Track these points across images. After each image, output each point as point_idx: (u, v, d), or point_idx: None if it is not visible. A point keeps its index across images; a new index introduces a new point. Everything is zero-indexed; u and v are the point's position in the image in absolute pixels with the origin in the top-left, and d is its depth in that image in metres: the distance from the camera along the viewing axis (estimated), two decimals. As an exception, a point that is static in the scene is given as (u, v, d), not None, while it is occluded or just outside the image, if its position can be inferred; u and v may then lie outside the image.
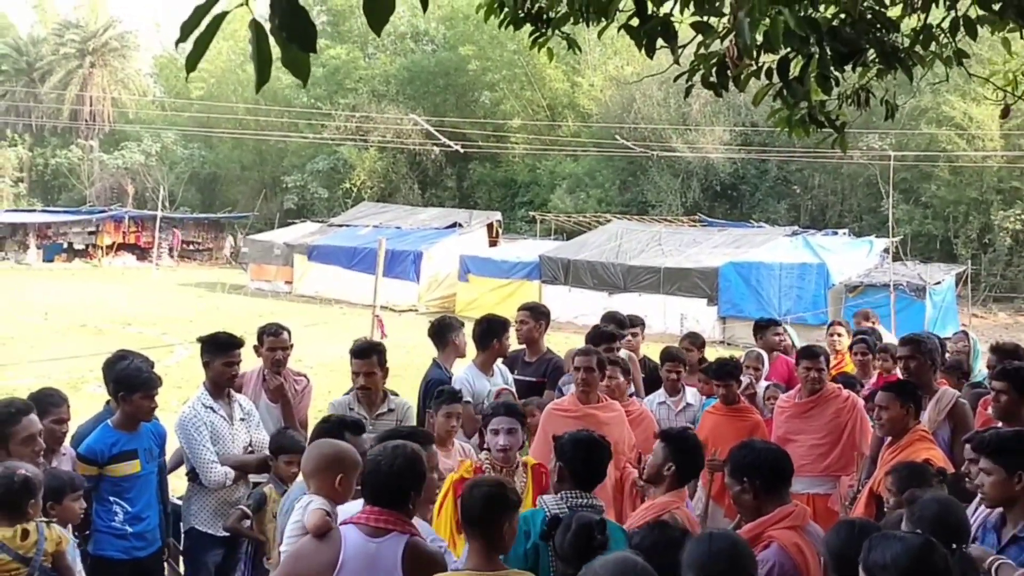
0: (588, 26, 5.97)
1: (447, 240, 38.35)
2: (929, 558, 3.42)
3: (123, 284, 42.50)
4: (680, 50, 5.40)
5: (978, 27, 6.03)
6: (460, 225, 40.18)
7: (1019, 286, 41.12)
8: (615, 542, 4.66)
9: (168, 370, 15.72)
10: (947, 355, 10.02)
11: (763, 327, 11.04)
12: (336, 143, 56.05)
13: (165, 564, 7.47)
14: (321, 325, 25.26)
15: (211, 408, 7.20)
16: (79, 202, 64.40)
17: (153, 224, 52.73)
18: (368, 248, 35.35)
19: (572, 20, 5.89)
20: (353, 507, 5.01)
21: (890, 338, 12.27)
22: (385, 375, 8.24)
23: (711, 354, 11.08)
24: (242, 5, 2.62)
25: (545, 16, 5.96)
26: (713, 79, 5.83)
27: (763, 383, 9.56)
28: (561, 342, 14.13)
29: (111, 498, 6.61)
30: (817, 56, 5.45)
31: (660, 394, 9.11)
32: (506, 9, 5.96)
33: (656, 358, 9.88)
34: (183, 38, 2.63)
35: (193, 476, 7.22)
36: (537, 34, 6.00)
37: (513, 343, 9.02)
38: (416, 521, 4.84)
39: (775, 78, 5.67)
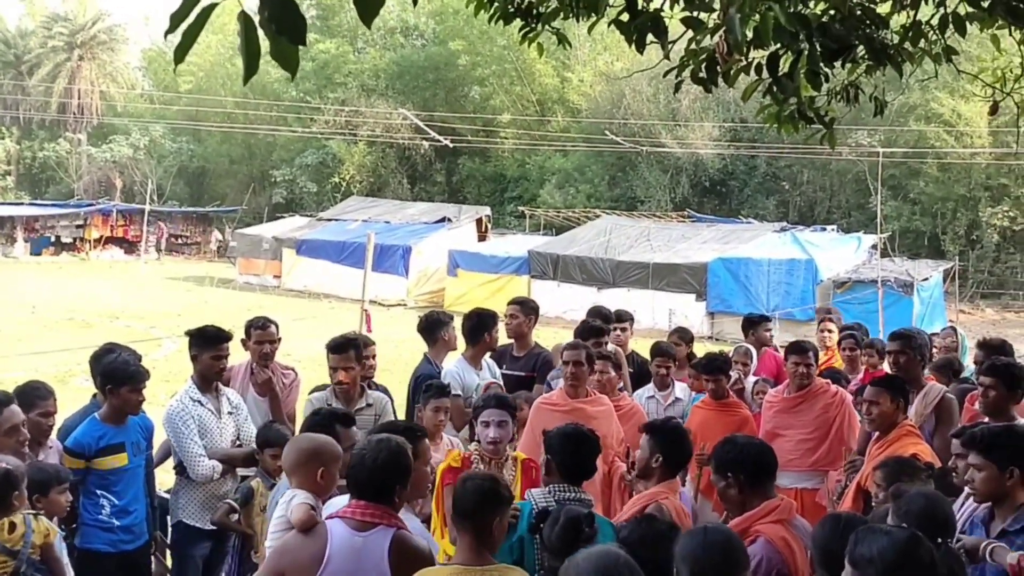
0: (578, 21, 5.96)
1: (436, 235, 38.34)
2: (915, 552, 3.43)
3: (111, 278, 42.39)
4: (670, 45, 5.40)
5: (967, 24, 6.03)
6: (449, 220, 40.16)
7: (1006, 282, 41.31)
8: (603, 536, 4.67)
9: (156, 364, 15.69)
10: (934, 351, 10.05)
11: (754, 323, 11.05)
12: (325, 137, 55.98)
13: (152, 557, 7.46)
14: (309, 319, 25.26)
15: (199, 402, 7.18)
16: (67, 195, 64.25)
17: (141, 218, 52.59)
18: (357, 242, 35.31)
19: (562, 15, 5.89)
20: (339, 502, 5.02)
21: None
22: (372, 369, 8.26)
23: (699, 350, 11.10)
24: (232, -4, 2.61)
25: (535, 11, 5.95)
26: (703, 75, 5.82)
27: (751, 378, 9.57)
28: (550, 337, 14.15)
29: (98, 491, 6.58)
30: (807, 52, 5.45)
31: (649, 388, 9.12)
32: (496, 4, 5.94)
33: (645, 353, 9.90)
34: (172, 29, 2.62)
35: (181, 470, 7.20)
36: (527, 29, 5.99)
37: (502, 338, 9.03)
38: (403, 515, 4.84)
39: (764, 74, 5.68)
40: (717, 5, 5.32)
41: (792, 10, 5.29)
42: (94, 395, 7.26)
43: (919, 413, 7.26)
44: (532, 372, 8.94)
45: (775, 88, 5.83)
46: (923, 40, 6.23)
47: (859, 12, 5.83)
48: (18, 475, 5.33)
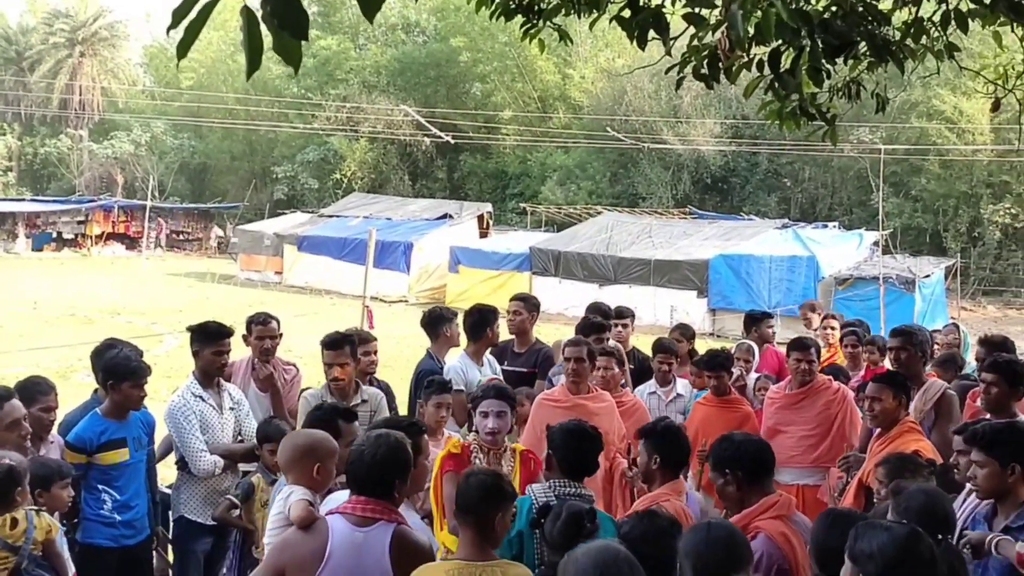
0: (579, 17, 5.96)
1: (437, 231, 38.31)
2: (915, 548, 3.43)
3: (112, 274, 42.40)
4: (672, 42, 5.40)
5: (969, 21, 6.03)
6: (450, 216, 40.13)
7: (1008, 279, 41.27)
8: (604, 532, 4.68)
9: (157, 359, 15.70)
10: (936, 347, 10.06)
11: (756, 319, 11.06)
12: (326, 134, 55.96)
13: (154, 553, 7.47)
14: (311, 315, 25.26)
15: (200, 397, 7.19)
16: (68, 191, 64.23)
17: (143, 214, 52.59)
18: (358, 239, 35.31)
19: (563, 11, 5.88)
20: (338, 497, 5.02)
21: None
22: (374, 365, 8.27)
23: (701, 346, 11.11)
24: (234, -9, 2.61)
25: (536, 7, 5.94)
26: (704, 71, 5.82)
27: (753, 375, 9.58)
28: (551, 333, 14.16)
29: (100, 486, 6.59)
30: (808, 48, 5.45)
31: (651, 385, 9.12)
32: (497, 0, 5.94)
33: (646, 350, 9.90)
34: (175, 24, 2.62)
35: (182, 465, 7.21)
36: (528, 25, 5.98)
37: (503, 334, 9.04)
38: (403, 511, 4.84)
39: (766, 70, 5.68)
40: (719, 1, 5.32)
41: (794, 6, 5.29)
42: (95, 391, 7.27)
43: (918, 409, 7.27)
44: (533, 368, 8.95)
45: (777, 84, 5.83)
46: (925, 36, 6.23)
47: (861, 8, 5.82)
48: (20, 471, 5.33)
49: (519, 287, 28.42)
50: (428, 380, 7.28)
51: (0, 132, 69.81)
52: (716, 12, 5.52)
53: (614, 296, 24.94)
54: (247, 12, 2.60)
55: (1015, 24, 6.34)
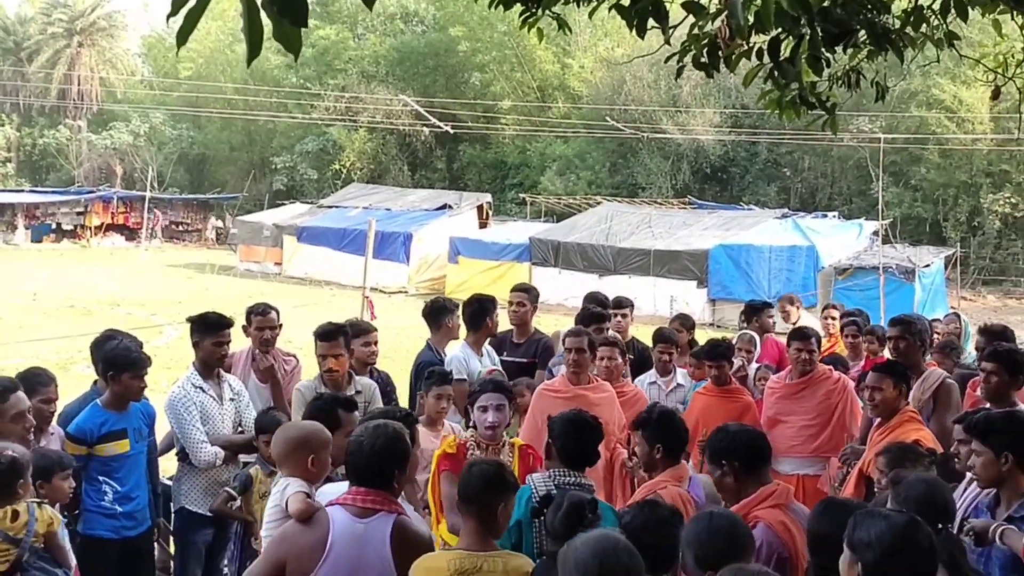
0: (579, 6, 5.95)
1: (437, 222, 38.30)
2: (913, 536, 3.43)
3: (111, 265, 42.37)
4: (671, 30, 5.38)
5: (969, 9, 6.01)
6: (450, 207, 40.11)
7: (1008, 269, 41.28)
8: (605, 522, 4.67)
9: (157, 351, 15.70)
10: (936, 337, 10.07)
11: (757, 309, 11.04)
12: (325, 124, 55.90)
13: (155, 544, 7.48)
14: (311, 306, 25.24)
15: (200, 388, 7.19)
16: (67, 182, 64.18)
17: (142, 205, 52.54)
18: (358, 229, 35.29)
19: (563, 0, 5.86)
20: (331, 489, 5.02)
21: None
22: (374, 356, 8.25)
23: (701, 336, 11.10)
24: (233, -20, 2.60)
25: (535, -4, 5.93)
26: (704, 60, 5.80)
27: (753, 365, 9.58)
28: (551, 324, 14.16)
29: (100, 477, 6.60)
30: (808, 37, 5.44)
31: (651, 375, 9.12)
32: (496, -11, 5.91)
33: (646, 340, 9.90)
34: (174, 12, 2.61)
35: (183, 456, 7.21)
36: (527, 14, 5.95)
37: (502, 323, 9.04)
38: (400, 501, 4.85)
39: (766, 59, 5.66)
40: (718, -10, 5.31)
41: (793, -5, 5.27)
42: (95, 382, 7.27)
43: (916, 399, 7.26)
44: (533, 358, 8.95)
45: (776, 73, 5.81)
46: (925, 25, 6.21)
47: (860, -3, 5.81)
48: (23, 463, 5.32)
49: (519, 277, 28.40)
50: (429, 371, 7.28)
51: (-1, 123, 69.78)
52: (715, 1, 5.51)
53: (614, 286, 24.91)
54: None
55: (1015, 12, 6.34)
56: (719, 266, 30.25)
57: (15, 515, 5.24)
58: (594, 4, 5.73)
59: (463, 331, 8.77)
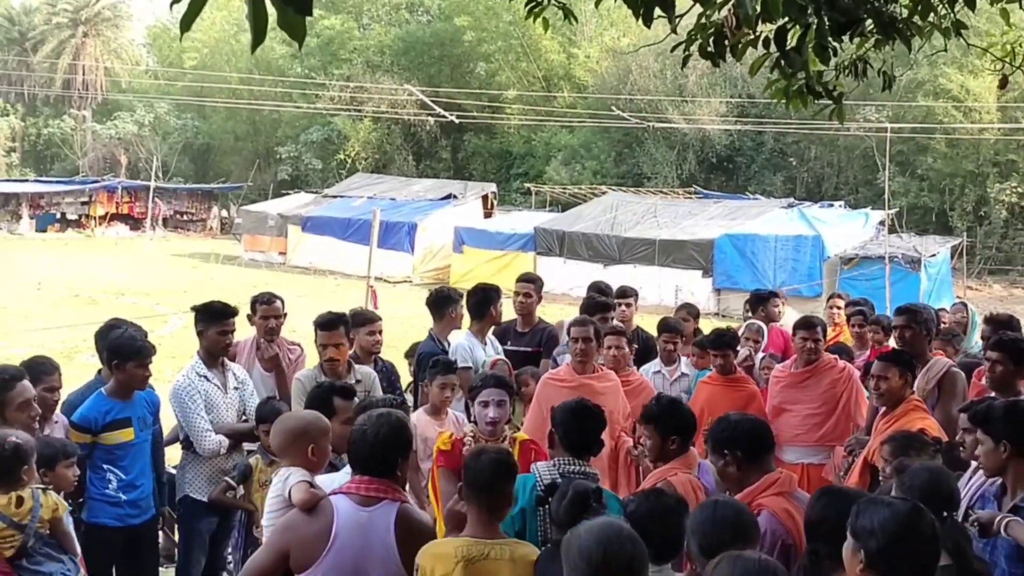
0: (585, -5, 5.92)
1: (442, 211, 38.27)
2: (916, 524, 3.42)
3: (116, 254, 42.42)
4: (678, 20, 5.36)
5: (976, -2, 5.99)
6: (455, 196, 40.08)
7: (1014, 258, 41.22)
8: (610, 510, 4.67)
9: (162, 340, 15.70)
10: (943, 326, 10.07)
11: (763, 299, 11.03)
12: (330, 114, 55.84)
13: (160, 532, 7.50)
14: (315, 296, 25.25)
15: (205, 377, 7.20)
16: (72, 172, 64.19)
17: (146, 194, 52.58)
18: (362, 219, 35.30)
19: (569, -11, 5.84)
20: (335, 478, 5.02)
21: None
22: (378, 345, 8.26)
23: (706, 326, 11.09)
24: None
25: (541, -15, 5.90)
26: (711, 49, 5.79)
27: (759, 354, 9.58)
28: (556, 313, 14.14)
29: (105, 466, 6.61)
30: (815, 26, 5.41)
31: (656, 364, 9.13)
32: (502, -23, 5.89)
33: (650, 329, 9.90)
34: (177, -1, 2.60)
35: (187, 444, 7.22)
36: (533, 4, 5.94)
37: (507, 313, 9.05)
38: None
39: (772, 48, 5.64)
40: (725, -22, 5.29)
41: (800, -18, 5.25)
42: (99, 371, 7.28)
43: (921, 388, 7.25)
44: (538, 347, 8.95)
45: (783, 62, 5.80)
46: (932, 14, 6.19)
47: (868, -15, 5.78)
48: (27, 449, 5.33)
49: (523, 267, 28.43)
50: (433, 360, 7.29)
51: (3, 113, 69.71)
52: (722, -11, 5.49)
53: (619, 276, 24.89)
54: (251, -13, 2.58)
55: (1023, 1, 6.31)
56: (724, 256, 30.22)
57: (20, 501, 5.25)
58: (600, -8, 5.71)
59: (466, 321, 8.78)
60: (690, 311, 10.58)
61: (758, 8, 5.11)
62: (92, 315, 17.91)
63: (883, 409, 6.88)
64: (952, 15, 6.33)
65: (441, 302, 8.71)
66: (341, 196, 43.04)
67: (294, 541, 4.52)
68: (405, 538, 4.53)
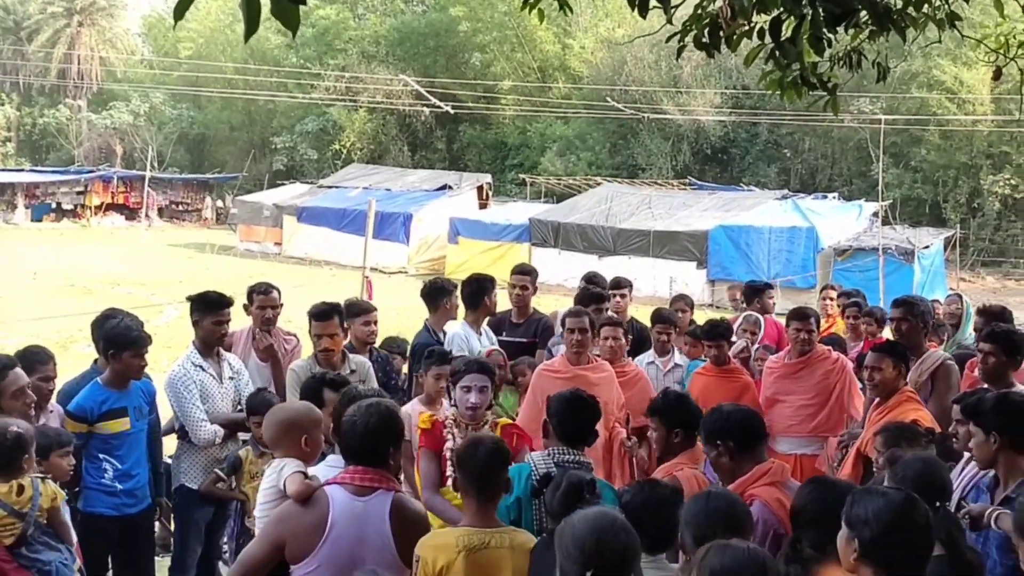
0: (580, -15, 5.92)
1: (437, 202, 38.28)
2: (910, 514, 3.45)
3: (112, 244, 42.35)
4: (673, 10, 5.37)
5: (971, -11, 6.00)
6: (450, 187, 40.08)
7: (1007, 250, 41.29)
8: (605, 500, 4.71)
9: (158, 330, 15.69)
10: (939, 317, 10.11)
11: (758, 290, 11.05)
12: (326, 104, 55.76)
13: (156, 523, 7.51)
14: (310, 286, 25.24)
15: (200, 367, 7.21)
16: (67, 162, 64.00)
17: (142, 184, 52.45)
18: (358, 210, 35.26)
19: (564, -20, 5.84)
20: (324, 469, 5.03)
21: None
22: (374, 336, 8.27)
23: (700, 317, 11.11)
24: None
25: (537, -24, 5.91)
26: (705, 40, 5.79)
27: (754, 345, 9.60)
28: (551, 304, 14.15)
29: (101, 455, 6.62)
30: (809, 17, 5.42)
31: (649, 355, 9.15)
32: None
33: (644, 320, 9.92)
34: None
35: (183, 434, 7.24)
36: (528, -6, 5.95)
37: (501, 304, 9.06)
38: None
39: (767, 39, 5.65)
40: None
41: (795, -26, 5.25)
42: (95, 360, 7.29)
43: (914, 380, 7.26)
44: (533, 338, 8.97)
45: (778, 53, 5.80)
46: (926, 5, 6.19)
47: (862, -24, 5.79)
48: (28, 438, 5.35)
49: (518, 258, 28.45)
50: (428, 351, 7.29)
51: (-1, 102, 69.59)
52: (718, -20, 5.49)
53: (613, 267, 24.93)
54: (246, -24, 2.59)
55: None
56: (719, 247, 30.27)
57: (20, 489, 5.27)
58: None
59: (461, 312, 8.79)
60: (687, 302, 10.61)
61: (752, -1, 5.13)
62: (88, 305, 17.89)
63: (876, 400, 6.91)
64: (946, 6, 6.34)
65: (435, 293, 8.73)
66: (336, 186, 43.00)
67: (289, 532, 4.53)
68: (400, 527, 4.55)
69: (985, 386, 6.54)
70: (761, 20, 5.63)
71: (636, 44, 42.48)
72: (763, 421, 5.37)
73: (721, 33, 5.73)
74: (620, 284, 10.08)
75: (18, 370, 5.94)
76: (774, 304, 11.25)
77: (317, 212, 39.83)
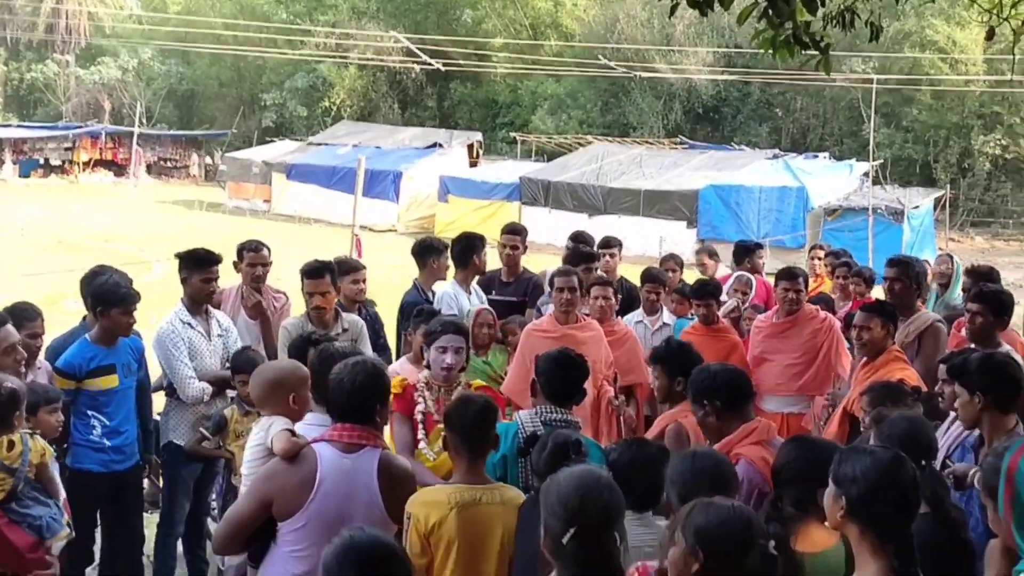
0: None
1: (427, 160, 38.17)
2: (897, 472, 3.47)
3: (100, 201, 42.14)
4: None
5: (964, -52, 5.97)
6: (440, 145, 39.94)
7: (997, 211, 41.36)
8: (591, 458, 4.73)
9: (147, 287, 15.64)
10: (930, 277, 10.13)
11: (749, 250, 11.05)
12: (315, 61, 55.38)
13: (146, 479, 7.53)
14: (300, 244, 25.20)
15: (188, 324, 7.20)
16: (55, 117, 63.58)
17: (130, 141, 52.16)
18: (347, 167, 35.16)
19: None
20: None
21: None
22: (363, 293, 8.27)
23: (689, 276, 11.12)
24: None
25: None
26: (698, -3, 5.77)
27: (745, 306, 9.61)
28: (541, 263, 14.13)
29: (89, 412, 6.62)
30: (802, -25, 5.40)
31: (638, 314, 9.16)
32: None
33: (634, 279, 9.93)
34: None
35: (171, 391, 7.24)
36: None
37: (491, 263, 9.06)
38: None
39: (760, -3, 5.63)
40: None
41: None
42: (83, 317, 7.27)
43: (899, 340, 7.27)
44: (523, 297, 8.99)
45: (770, 12, 5.78)
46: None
47: (855, -66, 5.75)
48: (21, 393, 5.36)
49: (509, 217, 28.43)
50: (417, 310, 7.29)
51: (-15, 57, 69.00)
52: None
53: (604, 226, 24.86)
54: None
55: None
56: (709, 206, 30.27)
57: (11, 445, 5.27)
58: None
59: (451, 271, 8.80)
60: (676, 261, 10.60)
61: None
62: (76, 261, 17.82)
63: (863, 359, 6.93)
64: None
65: (424, 251, 8.73)
66: (326, 144, 42.83)
67: (277, 489, 4.54)
68: (387, 484, 4.59)
69: (972, 346, 6.56)
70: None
71: (628, 1, 42.28)
72: (750, 381, 5.41)
73: (714, -9, 5.70)
74: (610, 243, 10.09)
75: (9, 327, 5.93)
76: (763, 264, 11.25)
77: (306, 169, 39.67)
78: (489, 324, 7.81)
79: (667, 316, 9.20)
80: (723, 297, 9.13)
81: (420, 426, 5.85)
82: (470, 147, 40.47)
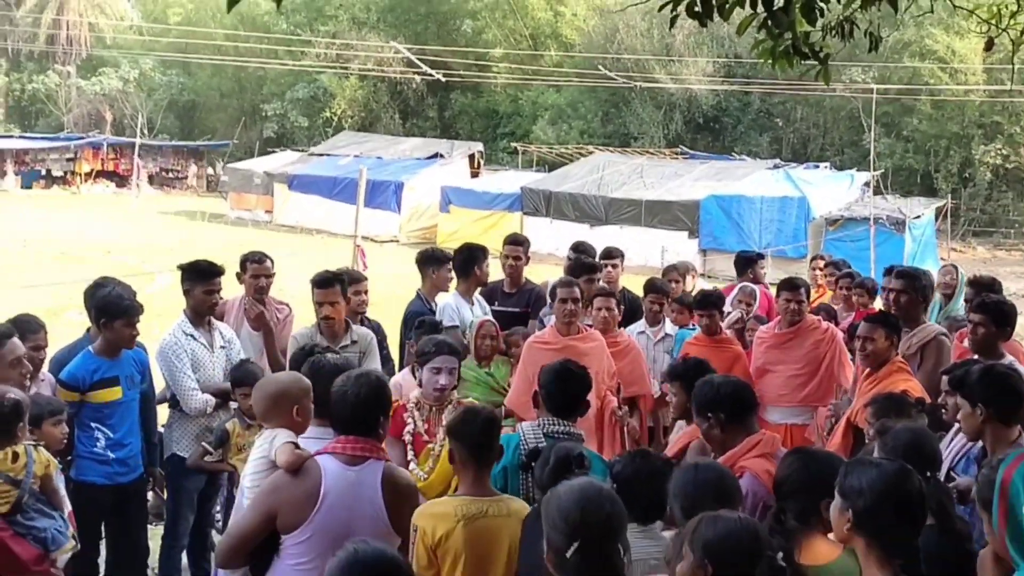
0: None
1: (428, 170, 38.17)
2: (904, 484, 3.47)
3: (102, 212, 42.15)
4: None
5: (964, -41, 5.99)
6: (441, 156, 39.95)
7: (998, 220, 41.34)
8: (594, 471, 4.72)
9: (150, 298, 15.66)
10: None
11: (752, 260, 11.05)
12: (316, 71, 55.45)
13: (150, 492, 7.53)
14: (302, 255, 25.20)
15: (191, 336, 7.21)
16: (57, 128, 63.64)
17: (132, 151, 52.21)
18: (349, 178, 35.18)
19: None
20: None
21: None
22: (364, 305, 8.28)
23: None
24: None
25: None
26: (698, 8, 5.77)
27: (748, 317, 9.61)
28: (542, 273, 14.15)
29: (93, 424, 6.62)
30: (802, -14, 5.41)
31: (640, 324, 9.15)
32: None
33: (636, 290, 9.92)
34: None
35: (174, 403, 7.24)
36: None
37: (494, 274, 9.06)
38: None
39: (760, 8, 5.63)
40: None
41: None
42: (87, 329, 7.28)
43: (902, 352, 7.26)
44: (526, 308, 8.98)
45: (770, 22, 5.79)
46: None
47: (856, -54, 5.77)
48: (24, 405, 5.37)
49: (510, 227, 28.43)
50: (419, 320, 7.30)
51: (-13, 68, 69.08)
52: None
53: (605, 237, 24.89)
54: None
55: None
56: (710, 217, 30.25)
57: (15, 456, 5.28)
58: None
59: (454, 283, 8.80)
60: (679, 272, 10.58)
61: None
62: (79, 273, 17.85)
63: (867, 370, 6.92)
64: (939, -23, 6.33)
65: (427, 261, 8.75)
66: (327, 154, 42.84)
67: (282, 502, 4.54)
68: (391, 496, 4.60)
69: (975, 357, 6.56)
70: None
71: (628, 12, 42.27)
72: (754, 392, 5.39)
73: (714, 2, 5.71)
74: (612, 254, 10.08)
75: (15, 339, 5.95)
76: (765, 274, 11.25)
77: (308, 180, 39.69)
78: (492, 336, 7.82)
79: (669, 327, 9.20)
80: (727, 308, 9.13)
81: (409, 447, 5.86)
82: (471, 157, 40.48)
